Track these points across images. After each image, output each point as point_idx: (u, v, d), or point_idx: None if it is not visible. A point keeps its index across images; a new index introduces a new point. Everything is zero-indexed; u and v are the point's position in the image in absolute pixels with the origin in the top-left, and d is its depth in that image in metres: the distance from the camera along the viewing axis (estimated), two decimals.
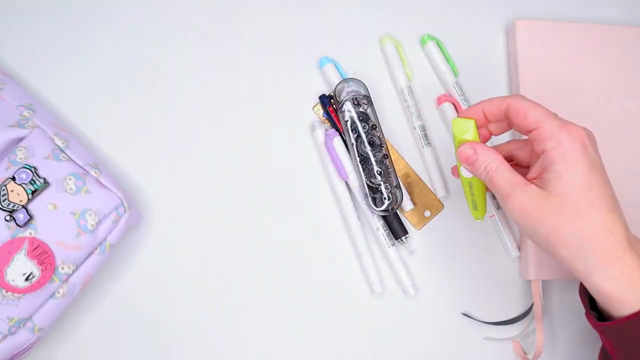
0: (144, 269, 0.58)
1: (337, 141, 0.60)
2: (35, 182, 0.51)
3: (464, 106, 0.62)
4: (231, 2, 0.63)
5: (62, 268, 0.51)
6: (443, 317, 0.60)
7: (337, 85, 0.59)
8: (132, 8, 0.62)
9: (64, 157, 0.53)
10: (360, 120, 0.58)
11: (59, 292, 0.52)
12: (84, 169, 0.53)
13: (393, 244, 0.59)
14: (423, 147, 0.61)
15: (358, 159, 0.58)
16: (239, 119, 0.61)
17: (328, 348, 0.59)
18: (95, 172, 0.53)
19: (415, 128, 0.61)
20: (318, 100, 0.61)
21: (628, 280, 0.42)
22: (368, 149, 0.58)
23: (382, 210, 0.57)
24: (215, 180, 0.60)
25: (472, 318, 0.60)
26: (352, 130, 0.58)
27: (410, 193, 0.61)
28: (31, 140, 0.53)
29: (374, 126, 0.59)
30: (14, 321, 0.50)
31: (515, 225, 0.60)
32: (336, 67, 0.61)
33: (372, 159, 0.58)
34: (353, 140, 0.58)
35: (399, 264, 0.59)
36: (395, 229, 0.59)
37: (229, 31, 0.62)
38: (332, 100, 0.60)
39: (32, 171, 0.51)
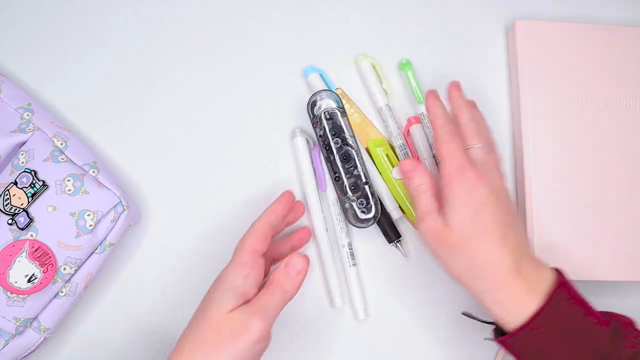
0: (145, 266, 0.59)
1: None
2: (34, 185, 0.52)
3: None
4: (229, 5, 0.63)
5: (64, 269, 0.52)
6: (442, 318, 0.60)
7: (309, 99, 0.58)
8: (132, 9, 0.63)
9: (62, 159, 0.54)
10: (334, 135, 0.57)
11: (62, 292, 0.53)
12: (82, 169, 0.54)
13: (354, 264, 0.59)
14: None
15: (334, 175, 0.57)
16: (235, 119, 0.62)
17: (328, 346, 0.59)
18: (94, 172, 0.54)
19: (396, 147, 0.61)
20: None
21: (513, 304, 0.48)
22: (339, 164, 0.57)
23: (364, 220, 0.57)
24: (213, 178, 0.60)
25: (472, 317, 0.59)
26: (325, 146, 0.57)
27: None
28: (32, 143, 0.54)
29: (346, 140, 0.57)
30: (20, 321, 0.51)
31: None
32: (321, 76, 0.61)
33: (344, 176, 0.57)
34: (327, 155, 0.57)
35: (355, 284, 0.59)
36: (388, 232, 0.59)
37: (226, 34, 0.63)
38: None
39: (32, 175, 0.52)
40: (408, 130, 0.61)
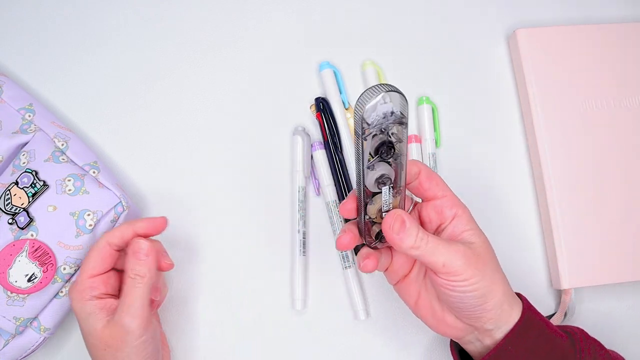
0: None
1: (319, 154, 0.58)
2: (35, 185, 0.52)
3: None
4: (229, 5, 0.64)
5: (64, 268, 0.52)
6: None
7: (361, 95, 0.38)
8: (132, 9, 0.63)
9: (63, 159, 0.54)
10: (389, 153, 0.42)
11: (62, 292, 0.53)
12: (83, 169, 0.54)
13: (348, 267, 0.58)
14: None
15: (363, 196, 0.44)
16: (235, 119, 0.62)
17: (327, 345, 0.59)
18: (94, 172, 0.54)
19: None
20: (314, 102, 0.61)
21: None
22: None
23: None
24: (213, 177, 0.60)
25: None
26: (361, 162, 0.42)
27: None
28: (33, 144, 0.54)
29: (399, 158, 0.43)
30: (20, 321, 0.51)
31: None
32: (335, 74, 0.61)
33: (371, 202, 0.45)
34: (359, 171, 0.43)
35: (354, 285, 0.58)
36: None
37: (226, 34, 0.63)
38: (322, 105, 0.59)
39: (33, 175, 0.52)
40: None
